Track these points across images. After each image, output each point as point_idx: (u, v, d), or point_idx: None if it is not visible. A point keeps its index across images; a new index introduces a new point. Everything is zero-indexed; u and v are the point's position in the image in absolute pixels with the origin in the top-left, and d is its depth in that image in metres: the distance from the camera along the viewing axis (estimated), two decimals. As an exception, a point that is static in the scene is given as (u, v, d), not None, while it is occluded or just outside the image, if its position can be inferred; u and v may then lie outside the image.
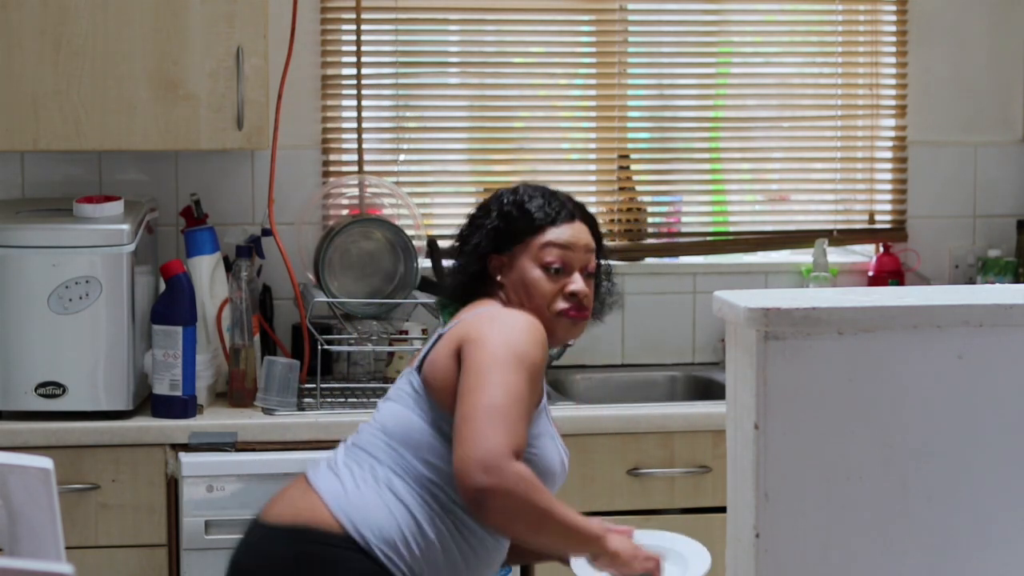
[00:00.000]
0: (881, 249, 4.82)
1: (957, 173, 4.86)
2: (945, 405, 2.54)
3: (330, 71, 4.59)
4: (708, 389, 4.51)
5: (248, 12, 4.12)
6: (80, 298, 3.91)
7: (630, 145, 4.78)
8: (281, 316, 4.51)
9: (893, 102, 4.84)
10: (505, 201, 3.13)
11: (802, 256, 4.80)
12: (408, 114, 4.67)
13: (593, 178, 4.76)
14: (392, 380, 3.76)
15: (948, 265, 4.85)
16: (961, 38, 4.83)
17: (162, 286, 4.06)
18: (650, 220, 4.79)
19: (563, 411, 4.02)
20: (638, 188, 4.79)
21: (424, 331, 4.35)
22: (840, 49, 4.84)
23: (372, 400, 4.06)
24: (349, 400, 4.18)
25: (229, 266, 4.25)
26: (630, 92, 4.76)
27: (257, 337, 4.24)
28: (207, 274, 4.21)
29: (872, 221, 4.87)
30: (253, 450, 3.92)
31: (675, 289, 4.75)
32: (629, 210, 4.77)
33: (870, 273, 4.79)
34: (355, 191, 4.55)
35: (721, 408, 2.74)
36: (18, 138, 4.09)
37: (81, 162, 4.44)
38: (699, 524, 3.79)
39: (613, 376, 4.65)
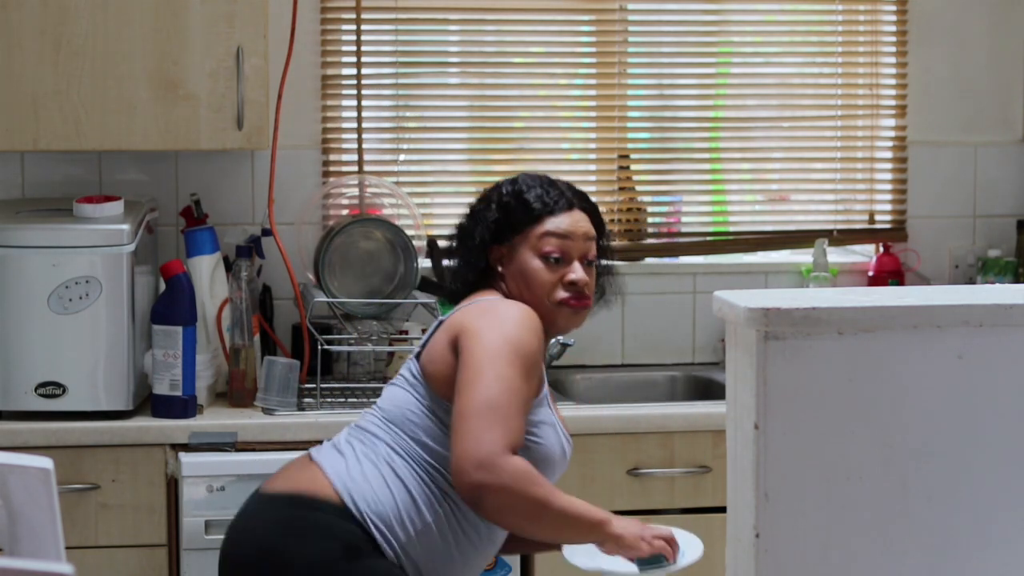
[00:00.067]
0: (881, 249, 4.82)
1: (957, 173, 4.86)
2: (945, 405, 2.54)
3: (330, 71, 4.58)
4: (708, 389, 4.51)
5: (248, 12, 4.12)
6: (80, 298, 3.91)
7: (630, 145, 4.78)
8: (281, 316, 4.51)
9: (893, 102, 4.84)
10: (504, 192, 3.14)
11: (802, 256, 4.80)
12: (408, 114, 4.66)
13: (593, 178, 4.76)
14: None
15: (948, 265, 4.85)
16: (961, 38, 4.83)
17: (162, 286, 4.06)
18: (650, 220, 4.79)
19: (563, 411, 3.98)
20: (638, 188, 4.79)
21: (424, 331, 4.34)
22: (840, 49, 4.84)
23: (372, 400, 4.02)
24: (349, 400, 4.18)
25: (229, 266, 4.25)
26: (630, 92, 4.76)
27: (257, 337, 4.24)
28: (207, 274, 4.21)
29: (872, 221, 4.87)
30: (253, 450, 3.92)
31: (675, 289, 4.74)
32: (629, 210, 4.77)
33: (870, 273, 4.79)
34: (355, 191, 4.55)
35: (721, 408, 2.74)
36: (18, 138, 4.09)
37: (81, 162, 4.44)
38: (699, 524, 3.76)
39: (613, 376, 4.65)
